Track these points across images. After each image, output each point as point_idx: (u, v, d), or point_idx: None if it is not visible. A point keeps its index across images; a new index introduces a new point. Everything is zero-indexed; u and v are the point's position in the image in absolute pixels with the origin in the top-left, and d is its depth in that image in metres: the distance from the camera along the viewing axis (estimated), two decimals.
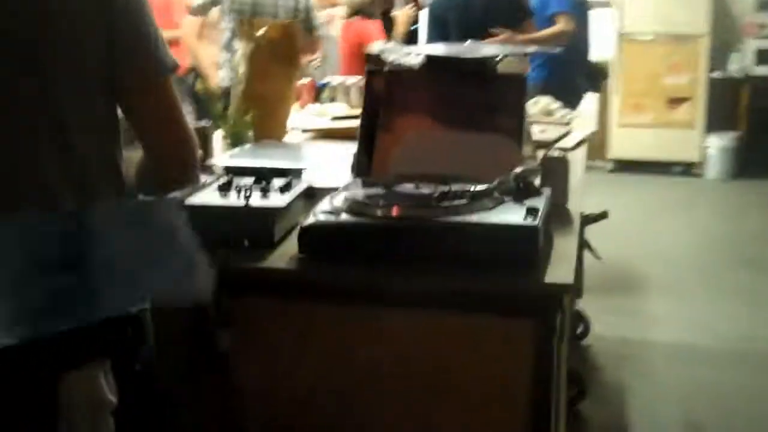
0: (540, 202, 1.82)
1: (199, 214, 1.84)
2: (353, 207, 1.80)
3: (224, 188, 1.92)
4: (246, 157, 2.41)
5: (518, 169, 1.91)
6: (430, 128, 2.23)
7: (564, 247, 1.85)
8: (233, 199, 1.87)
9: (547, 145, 2.91)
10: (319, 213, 1.80)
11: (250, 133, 2.60)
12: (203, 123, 2.59)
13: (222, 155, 2.46)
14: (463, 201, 1.77)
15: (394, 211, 1.77)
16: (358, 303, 1.74)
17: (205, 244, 1.83)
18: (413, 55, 2.33)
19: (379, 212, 1.77)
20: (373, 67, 2.28)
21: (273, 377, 1.79)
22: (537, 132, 3.07)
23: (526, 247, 1.67)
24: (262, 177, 2.01)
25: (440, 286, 1.68)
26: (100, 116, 1.49)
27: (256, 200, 1.87)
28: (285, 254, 1.79)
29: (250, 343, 1.79)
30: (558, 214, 2.07)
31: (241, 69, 2.92)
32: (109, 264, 1.43)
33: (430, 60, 2.29)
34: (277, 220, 1.83)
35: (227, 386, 1.80)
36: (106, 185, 1.50)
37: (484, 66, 2.26)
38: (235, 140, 2.57)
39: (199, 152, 1.61)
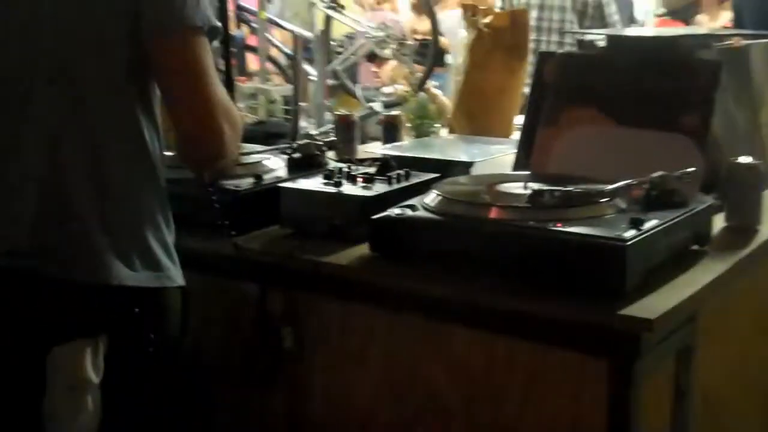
0: (666, 216, 1.43)
1: (290, 198, 1.71)
2: (439, 203, 1.54)
3: (331, 175, 1.75)
4: (412, 149, 2.21)
5: (657, 173, 1.52)
6: (597, 123, 1.88)
7: (698, 275, 1.43)
8: (327, 186, 1.70)
9: None
10: (400, 207, 1.56)
11: (437, 125, 2.39)
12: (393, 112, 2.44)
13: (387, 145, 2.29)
14: (561, 205, 1.44)
15: (472, 211, 1.49)
16: (417, 313, 1.48)
17: (297, 231, 1.71)
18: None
19: (458, 211, 1.50)
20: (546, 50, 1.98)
21: (333, 383, 1.60)
22: None
23: (605, 268, 1.31)
24: (387, 167, 1.81)
25: (506, 305, 1.38)
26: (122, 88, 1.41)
27: (350, 189, 1.68)
28: (361, 250, 1.58)
29: (312, 343, 1.60)
30: (734, 236, 1.63)
31: (461, 59, 2.72)
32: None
33: (612, 41, 1.93)
34: (362, 210, 1.62)
35: (288, 385, 1.63)
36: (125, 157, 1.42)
37: (674, 50, 1.85)
38: (418, 131, 2.38)
39: (237, 131, 1.46)
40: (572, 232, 1.35)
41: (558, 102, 1.93)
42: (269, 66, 5.11)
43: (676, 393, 1.43)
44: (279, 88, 4.31)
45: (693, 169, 1.56)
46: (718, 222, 1.65)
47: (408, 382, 1.52)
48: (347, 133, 2.42)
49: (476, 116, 2.70)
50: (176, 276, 1.46)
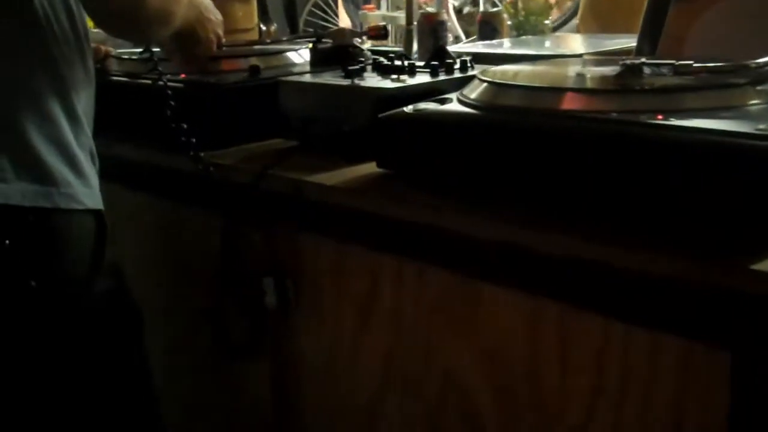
0: None
1: (290, 95, 1.21)
2: (482, 92, 0.99)
3: (357, 67, 1.22)
4: (508, 46, 1.65)
5: None
6: None
7: None
8: (341, 80, 1.18)
9: None
10: (427, 101, 1.03)
11: (546, 23, 1.81)
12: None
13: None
14: (670, 87, 0.86)
15: (528, 99, 0.92)
16: (436, 261, 0.95)
17: (301, 142, 1.20)
18: None
19: (507, 101, 0.95)
20: None
21: (325, 355, 1.10)
22: None
23: (735, 189, 0.73)
24: (440, 55, 1.28)
25: (568, 251, 0.82)
26: None
27: (370, 81, 1.16)
28: (369, 168, 1.06)
29: (301, 301, 1.10)
30: None
31: None
32: None
33: None
34: (376, 109, 1.08)
35: (272, 361, 1.15)
36: None
37: None
38: (522, 29, 1.81)
39: None
40: (681, 127, 0.78)
41: None
42: None
43: None
44: None
45: None
46: None
47: (422, 364, 0.99)
48: (432, 36, 1.89)
49: (610, 18, 2.09)
50: (83, 195, 0.99)
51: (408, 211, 0.95)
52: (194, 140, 1.12)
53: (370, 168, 1.05)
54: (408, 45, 2.44)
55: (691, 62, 0.89)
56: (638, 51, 1.40)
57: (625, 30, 2.01)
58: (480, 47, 1.66)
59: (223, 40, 1.26)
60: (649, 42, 1.37)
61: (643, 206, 0.79)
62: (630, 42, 1.53)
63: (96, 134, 1.06)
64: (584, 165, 0.83)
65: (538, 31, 1.84)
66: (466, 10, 4.23)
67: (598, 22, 2.11)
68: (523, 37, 1.82)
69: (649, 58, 0.93)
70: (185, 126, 1.12)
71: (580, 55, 1.46)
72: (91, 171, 1.02)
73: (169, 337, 1.22)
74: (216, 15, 1.21)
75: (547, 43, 1.69)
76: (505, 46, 1.74)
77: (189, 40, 1.18)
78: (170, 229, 1.24)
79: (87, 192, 1.00)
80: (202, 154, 1.12)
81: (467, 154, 0.93)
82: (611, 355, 0.81)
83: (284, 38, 1.67)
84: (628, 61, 0.90)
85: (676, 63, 0.90)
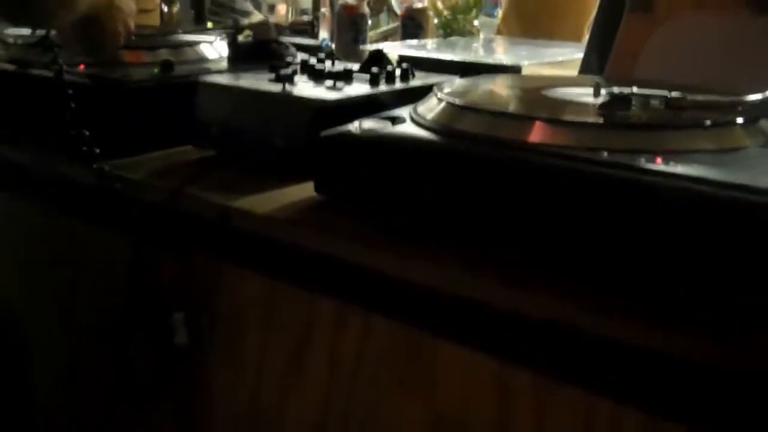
0: None
1: (209, 100, 1.05)
2: (442, 114, 0.86)
3: (286, 69, 1.08)
4: (436, 49, 1.53)
5: None
6: (720, 8, 1.18)
7: None
8: (271, 84, 1.03)
9: None
10: (375, 118, 0.90)
11: (476, 24, 1.70)
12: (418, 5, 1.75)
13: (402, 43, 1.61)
14: (662, 122, 0.76)
15: (497, 128, 0.80)
16: (386, 313, 0.82)
17: (219, 154, 1.06)
18: None
19: (472, 127, 0.82)
20: None
21: (244, 410, 0.95)
22: None
23: (737, 252, 0.63)
24: (377, 61, 1.15)
25: (535, 309, 0.70)
26: None
27: (304, 89, 1.02)
28: (307, 191, 0.92)
29: (216, 342, 0.96)
30: None
31: None
32: None
33: None
34: (314, 123, 0.94)
35: (184, 403, 1.00)
36: None
37: None
38: (446, 30, 1.69)
39: None
40: (680, 176, 0.67)
41: None
42: None
43: None
44: None
45: None
46: None
47: (364, 429, 0.86)
48: (352, 30, 1.75)
49: (534, 21, 2.00)
50: None
51: (351, 249, 0.82)
52: (98, 150, 0.96)
53: (305, 190, 0.91)
54: (314, 33, 2.29)
55: (684, 95, 0.79)
56: (585, 65, 1.30)
57: (549, 34, 1.92)
58: (405, 48, 1.53)
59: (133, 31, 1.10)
60: (598, 56, 1.28)
61: (636, 266, 0.68)
62: (571, 52, 1.44)
63: None
64: (567, 212, 0.72)
65: (466, 31, 1.73)
66: None
67: (523, 24, 2.01)
68: (452, 38, 1.71)
69: (639, 87, 0.82)
70: (87, 133, 0.95)
71: (519, 68, 1.35)
72: None
73: (62, 377, 1.06)
74: (128, 5, 1.05)
75: (478, 47, 1.58)
76: (430, 47, 1.62)
77: (93, 29, 1.02)
78: (66, 251, 1.07)
79: None
80: (106, 168, 0.95)
81: (424, 187, 0.81)
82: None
83: (196, 27, 1.50)
84: (615, 90, 0.79)
85: (669, 96, 0.79)
